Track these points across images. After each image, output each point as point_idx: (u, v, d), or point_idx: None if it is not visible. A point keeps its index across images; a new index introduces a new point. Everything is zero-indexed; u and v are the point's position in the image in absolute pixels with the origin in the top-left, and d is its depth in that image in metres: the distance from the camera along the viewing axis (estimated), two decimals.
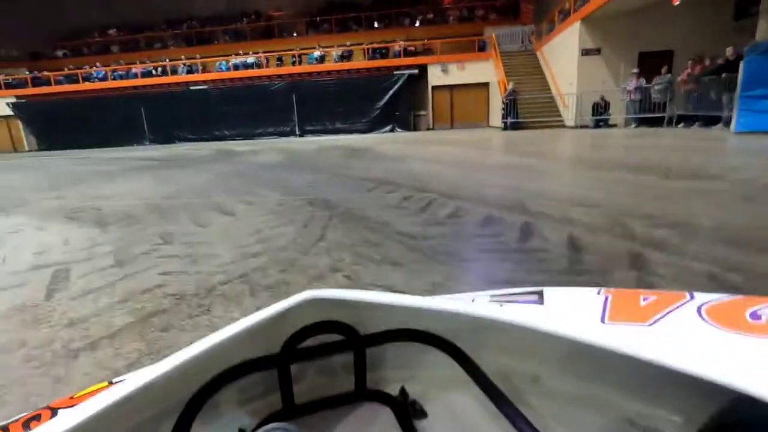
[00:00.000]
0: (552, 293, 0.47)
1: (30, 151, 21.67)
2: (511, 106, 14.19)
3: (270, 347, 0.40)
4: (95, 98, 20.63)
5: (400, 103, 18.15)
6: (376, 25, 21.79)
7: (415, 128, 18.65)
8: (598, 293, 0.45)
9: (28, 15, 24.22)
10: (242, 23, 23.62)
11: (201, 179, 5.99)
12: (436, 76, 18.35)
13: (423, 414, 0.44)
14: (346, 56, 19.56)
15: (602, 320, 0.39)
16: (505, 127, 14.37)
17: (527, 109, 14.67)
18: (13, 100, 21.24)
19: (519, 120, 14.33)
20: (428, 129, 18.75)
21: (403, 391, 0.46)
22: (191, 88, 19.98)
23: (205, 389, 0.37)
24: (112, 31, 25.56)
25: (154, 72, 20.74)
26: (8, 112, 21.20)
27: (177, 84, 20.38)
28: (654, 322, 0.36)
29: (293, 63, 20.01)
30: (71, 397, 0.42)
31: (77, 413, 0.29)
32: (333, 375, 0.45)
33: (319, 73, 19.39)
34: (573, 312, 0.44)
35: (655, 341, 0.34)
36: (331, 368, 0.45)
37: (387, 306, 0.39)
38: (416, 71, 18.11)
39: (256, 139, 18.62)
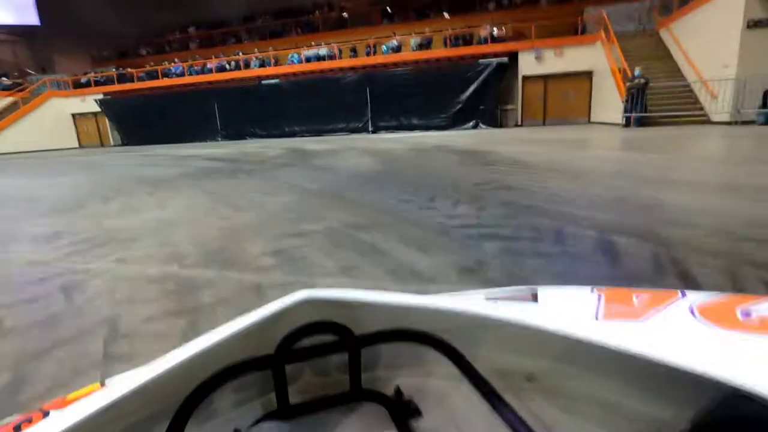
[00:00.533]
0: (546, 292, 0.45)
1: (114, 145, 21.20)
2: (637, 97, 10.84)
3: (265, 348, 0.38)
4: (172, 94, 19.56)
5: (486, 96, 15.19)
6: (450, 14, 18.80)
7: (502, 125, 15.63)
8: (592, 292, 0.43)
9: (120, 18, 23.91)
10: (314, 15, 21.62)
11: (276, 203, 3.68)
12: (528, 65, 15.16)
13: (418, 413, 0.43)
14: (424, 45, 16.85)
15: (596, 318, 0.37)
16: (628, 123, 11.05)
17: (655, 100, 11.23)
18: (101, 96, 20.75)
19: (647, 114, 10.95)
20: (516, 125, 15.66)
21: (398, 390, 0.44)
22: (263, 82, 18.26)
23: (200, 389, 0.35)
24: (191, 30, 24.72)
25: (227, 66, 19.25)
26: (98, 108, 20.80)
27: (249, 78, 18.76)
28: (646, 320, 0.35)
29: (367, 53, 17.63)
30: (63, 399, 0.39)
31: (69, 415, 0.27)
32: (328, 375, 0.43)
33: (395, 64, 16.83)
34: (567, 310, 0.41)
35: (647, 338, 0.32)
36: (326, 368, 0.43)
37: (382, 305, 0.37)
38: (506, 59, 15.05)
39: (326, 136, 16.52)
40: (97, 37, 23.75)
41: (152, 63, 21.46)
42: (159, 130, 19.31)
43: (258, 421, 0.40)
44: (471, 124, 15.41)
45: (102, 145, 21.90)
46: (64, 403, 0.37)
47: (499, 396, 0.38)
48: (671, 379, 0.28)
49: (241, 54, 19.55)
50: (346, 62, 17.56)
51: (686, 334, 0.32)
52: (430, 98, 15.48)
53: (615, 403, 0.35)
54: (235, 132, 18.43)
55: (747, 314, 0.33)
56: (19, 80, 21.57)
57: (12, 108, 20.08)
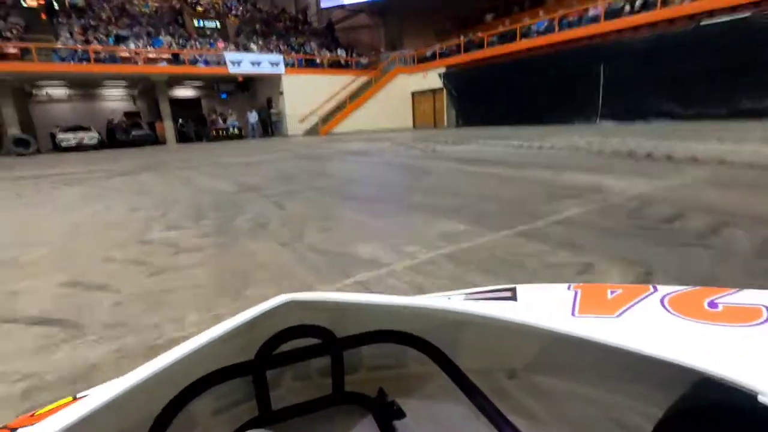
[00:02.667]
0: (524, 290, 0.46)
1: (447, 127, 18.59)
2: None
3: (245, 353, 0.37)
4: (528, 60, 14.66)
5: None
6: None
7: None
8: (568, 288, 0.44)
9: None
10: None
11: None
12: None
13: (402, 414, 0.43)
14: None
15: (572, 314, 0.38)
16: None
17: None
18: (443, 70, 18.29)
19: None
20: None
21: (381, 391, 0.44)
22: (702, 23, 10.61)
23: (176, 400, 0.35)
24: None
25: (626, 8, 12.53)
26: (436, 84, 18.59)
27: (668, 21, 11.50)
28: (621, 314, 0.36)
29: None
30: (32, 415, 0.38)
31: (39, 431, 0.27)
32: (310, 379, 0.43)
33: None
34: (545, 307, 0.43)
35: (622, 331, 0.33)
36: (308, 372, 0.43)
37: (363, 307, 0.37)
38: None
39: None
40: (441, 9, 21.77)
41: (507, 22, 17.22)
42: (504, 108, 14.99)
43: (239, 429, 0.39)
44: None
45: (435, 126, 19.85)
46: (32, 420, 0.36)
47: (482, 393, 0.38)
48: (645, 371, 0.29)
49: None
50: None
51: (657, 326, 0.33)
52: None
53: (594, 396, 0.36)
54: (629, 109, 11.77)
55: (714, 305, 0.34)
56: (374, 59, 21.90)
57: (366, 87, 20.27)
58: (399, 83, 20.38)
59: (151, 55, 16.19)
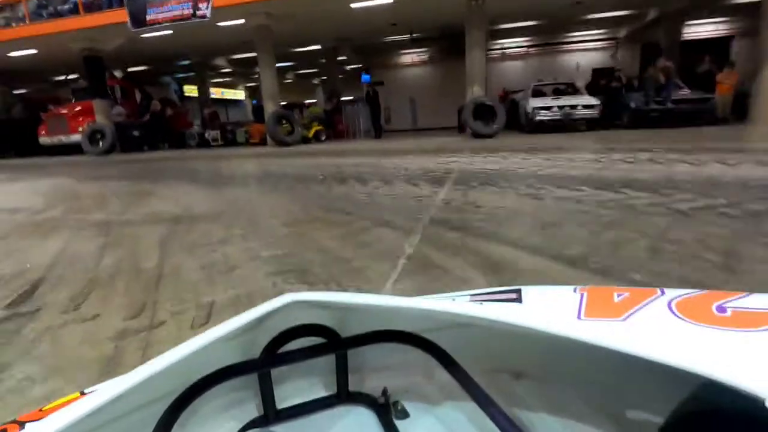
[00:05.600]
0: (530, 292, 0.46)
1: None
2: None
3: (250, 352, 0.38)
4: None
5: None
6: None
7: None
8: (575, 291, 0.44)
9: None
10: None
11: None
12: None
13: (405, 414, 0.44)
14: None
15: (578, 317, 0.39)
16: None
17: None
18: None
19: None
20: None
21: (385, 392, 0.44)
22: None
23: (183, 397, 0.35)
24: None
25: None
26: None
27: None
28: (627, 317, 0.36)
29: None
30: (40, 410, 0.40)
31: (46, 427, 0.27)
32: (315, 378, 0.44)
33: None
34: (551, 309, 0.43)
35: (628, 334, 0.33)
36: (312, 372, 0.44)
37: (368, 307, 0.38)
38: None
39: None
40: None
41: None
42: None
43: (244, 428, 0.40)
44: None
45: None
46: (40, 414, 0.37)
47: (486, 395, 0.37)
48: (651, 374, 0.29)
49: None
50: None
51: (664, 330, 0.33)
52: None
53: (600, 398, 0.36)
54: None
55: (722, 310, 0.34)
56: None
57: None
58: None
59: None
